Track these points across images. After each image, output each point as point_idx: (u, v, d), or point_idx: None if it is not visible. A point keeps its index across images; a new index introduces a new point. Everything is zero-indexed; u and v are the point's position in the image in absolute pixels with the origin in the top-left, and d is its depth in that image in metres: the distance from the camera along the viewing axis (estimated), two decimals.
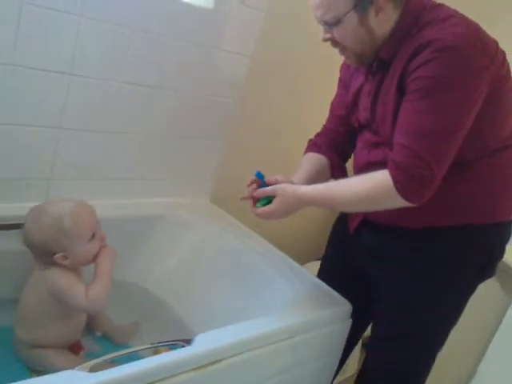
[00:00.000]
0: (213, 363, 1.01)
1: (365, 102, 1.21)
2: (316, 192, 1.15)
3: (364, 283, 1.33)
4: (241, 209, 1.78)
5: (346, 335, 1.33)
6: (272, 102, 1.89)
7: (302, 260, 1.55)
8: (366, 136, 1.24)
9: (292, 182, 1.24)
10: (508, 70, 1.09)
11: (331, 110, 1.41)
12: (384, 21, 1.09)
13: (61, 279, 1.16)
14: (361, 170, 1.20)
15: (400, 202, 1.04)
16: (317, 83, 1.97)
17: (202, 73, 1.59)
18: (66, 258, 1.16)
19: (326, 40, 1.14)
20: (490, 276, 1.24)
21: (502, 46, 1.07)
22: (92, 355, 1.20)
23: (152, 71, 1.49)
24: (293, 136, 2.03)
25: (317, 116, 1.88)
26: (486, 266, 1.22)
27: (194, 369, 0.98)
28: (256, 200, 1.20)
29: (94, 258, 1.20)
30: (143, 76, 1.47)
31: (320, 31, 1.14)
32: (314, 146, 1.41)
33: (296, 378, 1.26)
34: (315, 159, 1.37)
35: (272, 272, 1.42)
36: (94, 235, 1.19)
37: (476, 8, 1.41)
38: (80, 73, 1.35)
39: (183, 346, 1.02)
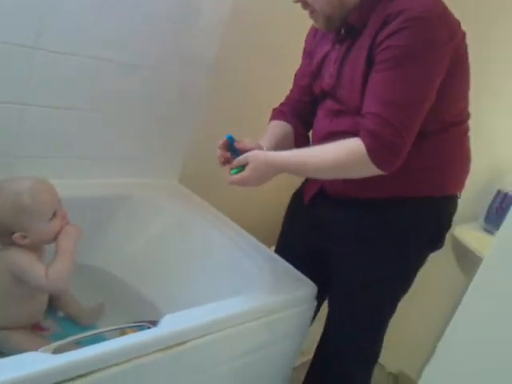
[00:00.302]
0: (179, 344, 1.01)
1: (331, 68, 1.22)
2: (287, 158, 1.16)
3: (318, 257, 1.35)
4: (209, 190, 1.78)
5: (311, 316, 1.35)
6: (242, 81, 1.87)
7: (269, 242, 1.55)
8: (328, 104, 1.25)
9: (261, 147, 1.25)
10: (466, 50, 1.13)
11: (295, 80, 1.42)
12: None
13: (21, 259, 1.13)
14: (322, 139, 1.21)
15: (371, 170, 1.07)
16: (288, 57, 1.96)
17: (173, 52, 1.57)
18: (24, 237, 1.12)
19: (297, 1, 1.16)
20: (439, 247, 1.28)
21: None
22: (56, 337, 1.18)
23: (121, 48, 1.45)
24: (263, 120, 2.03)
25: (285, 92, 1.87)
26: (436, 237, 1.26)
27: (160, 350, 0.98)
28: (230, 168, 1.20)
29: (55, 237, 1.17)
30: (112, 52, 1.44)
31: None
32: (279, 113, 1.42)
33: (262, 358, 1.27)
34: (280, 126, 1.38)
35: (239, 254, 1.43)
36: (54, 214, 1.15)
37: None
38: (45, 47, 1.30)
39: (149, 328, 1.02)
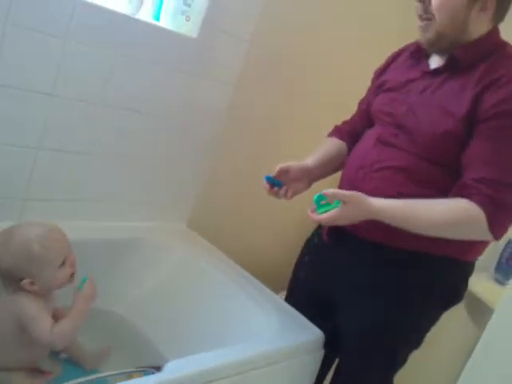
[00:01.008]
0: None
1: (414, 97, 1.18)
2: (389, 209, 1.10)
3: (329, 306, 1.32)
4: (217, 235, 1.79)
5: (318, 365, 1.33)
6: (254, 129, 1.91)
7: (276, 289, 1.55)
8: (380, 131, 1.22)
9: (305, 166, 1.26)
10: None
11: (359, 106, 1.43)
12: (480, 21, 1.11)
13: (29, 306, 1.12)
14: (363, 167, 1.19)
15: (482, 235, 1.06)
16: (300, 113, 2.00)
17: (186, 100, 1.61)
18: (33, 283, 1.12)
19: (419, 0, 1.12)
20: (456, 304, 1.26)
21: None
22: (57, 380, 1.17)
23: (135, 96, 1.50)
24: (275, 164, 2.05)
25: (302, 148, 1.91)
26: (452, 297, 1.25)
27: None
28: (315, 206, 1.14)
29: (64, 283, 1.17)
30: (126, 100, 1.48)
31: None
32: (336, 131, 1.43)
33: None
34: (334, 144, 1.39)
35: (246, 300, 1.42)
36: (64, 261, 1.15)
37: None
38: (61, 94, 1.35)
39: (153, 373, 1.01)
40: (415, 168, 1.14)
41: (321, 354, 1.31)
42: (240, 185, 1.93)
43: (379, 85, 1.30)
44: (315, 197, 1.10)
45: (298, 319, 1.36)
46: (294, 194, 1.28)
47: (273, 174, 1.25)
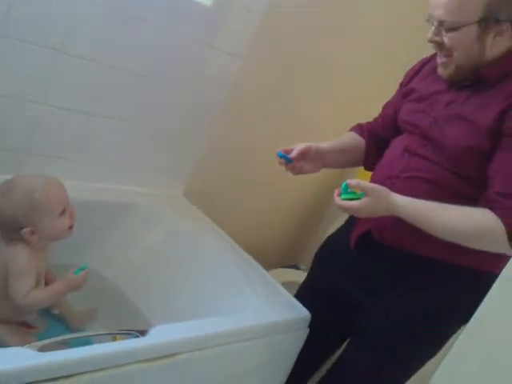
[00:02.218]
0: (165, 357, 1.01)
1: (438, 110, 1.18)
2: (412, 208, 1.10)
3: (345, 304, 1.31)
4: (212, 207, 1.79)
5: (301, 344, 1.34)
6: (258, 104, 1.89)
7: (268, 265, 1.55)
8: (408, 141, 1.22)
9: (313, 147, 1.26)
10: None
11: (383, 109, 1.42)
12: (499, 44, 1.09)
13: (22, 260, 1.15)
14: (391, 177, 1.19)
15: (503, 249, 1.05)
16: (304, 94, 1.99)
17: (192, 68, 1.59)
18: (33, 233, 1.15)
19: (431, 41, 1.12)
20: None
21: None
22: (42, 336, 1.18)
23: (142, 60, 1.48)
24: (274, 144, 2.05)
25: (300, 127, 1.89)
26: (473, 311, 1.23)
27: (146, 360, 0.98)
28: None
29: (63, 235, 1.20)
30: (133, 63, 1.47)
31: (427, 30, 1.11)
32: (357, 127, 1.42)
33: (248, 381, 1.26)
34: (353, 137, 1.39)
35: (236, 273, 1.42)
36: (64, 211, 1.18)
37: None
38: (69, 51, 1.33)
39: (137, 337, 1.01)
40: (442, 179, 1.13)
41: (305, 332, 1.32)
42: (239, 158, 1.93)
43: (406, 92, 1.30)
44: (344, 183, 1.12)
45: (286, 297, 1.37)
46: (301, 172, 1.30)
47: (284, 148, 1.26)
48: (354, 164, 1.43)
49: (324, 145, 1.31)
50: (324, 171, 1.38)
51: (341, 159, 1.39)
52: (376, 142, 1.38)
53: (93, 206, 1.50)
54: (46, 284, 1.26)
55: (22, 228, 1.14)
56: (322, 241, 1.47)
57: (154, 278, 1.53)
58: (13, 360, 0.81)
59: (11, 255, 1.15)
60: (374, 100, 1.50)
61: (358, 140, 1.39)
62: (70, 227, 1.21)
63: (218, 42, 1.61)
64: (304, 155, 1.27)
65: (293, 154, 1.25)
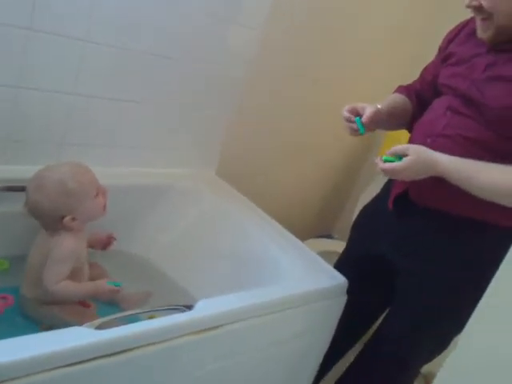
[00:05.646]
0: (212, 329, 1.05)
1: (478, 73, 1.17)
2: (453, 165, 1.10)
3: (384, 269, 1.34)
4: (244, 183, 1.82)
5: (340, 311, 1.37)
6: (281, 79, 1.90)
7: (302, 236, 1.58)
8: (449, 102, 1.21)
9: (378, 109, 1.24)
10: None
11: (422, 73, 1.41)
12: None
13: (66, 245, 1.21)
14: (431, 134, 1.19)
15: None
16: (326, 60, 1.98)
17: (213, 45, 1.60)
18: (74, 219, 1.20)
19: (469, 6, 1.10)
20: None
21: None
22: (100, 313, 1.25)
23: (166, 40, 1.50)
24: (300, 115, 2.06)
25: (326, 94, 1.89)
26: None
27: (194, 333, 1.02)
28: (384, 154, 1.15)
29: (100, 214, 1.27)
30: (158, 45, 1.49)
31: None
32: (404, 89, 1.40)
33: (291, 348, 1.31)
34: (402, 99, 1.38)
35: (272, 246, 1.46)
36: (97, 191, 1.24)
37: None
38: (94, 39, 1.36)
39: (184, 311, 1.06)
40: (484, 138, 1.12)
41: (344, 299, 1.35)
42: (269, 134, 1.94)
43: (445, 56, 1.28)
44: (357, 117, 1.14)
45: (322, 265, 1.40)
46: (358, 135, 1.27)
47: (349, 107, 1.24)
48: (400, 127, 1.41)
49: (379, 105, 1.29)
50: (351, 141, 1.38)
51: (391, 120, 1.37)
52: (422, 106, 1.36)
53: (127, 190, 1.55)
54: (93, 274, 1.33)
55: (63, 217, 1.19)
56: (353, 210, 1.49)
57: (194, 256, 1.57)
58: (73, 339, 0.87)
59: (58, 242, 1.21)
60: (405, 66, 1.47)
61: (407, 103, 1.38)
62: (104, 206, 1.27)
63: (237, 16, 1.61)
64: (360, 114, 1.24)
65: (365, 121, 1.21)
